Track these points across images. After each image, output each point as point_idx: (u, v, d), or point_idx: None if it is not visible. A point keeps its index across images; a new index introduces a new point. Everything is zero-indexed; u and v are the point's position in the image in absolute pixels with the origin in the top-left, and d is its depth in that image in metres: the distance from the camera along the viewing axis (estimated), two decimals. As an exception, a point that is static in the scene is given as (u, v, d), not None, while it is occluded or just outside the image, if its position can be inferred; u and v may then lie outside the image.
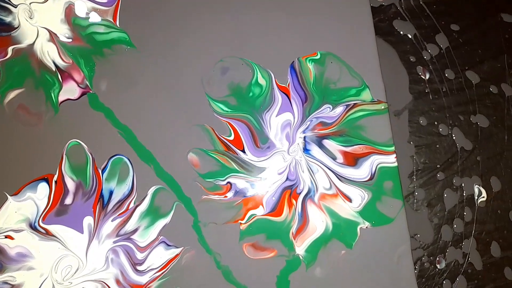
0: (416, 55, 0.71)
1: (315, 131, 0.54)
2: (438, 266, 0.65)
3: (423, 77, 0.70)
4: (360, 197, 0.52)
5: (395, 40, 0.71)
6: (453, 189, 0.67)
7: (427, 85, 0.70)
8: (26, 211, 0.53)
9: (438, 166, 0.68)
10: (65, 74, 0.55)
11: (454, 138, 0.68)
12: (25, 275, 0.52)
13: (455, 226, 0.66)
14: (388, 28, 0.71)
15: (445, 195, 0.67)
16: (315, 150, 0.53)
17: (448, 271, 0.65)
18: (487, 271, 0.65)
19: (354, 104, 0.54)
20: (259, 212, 0.52)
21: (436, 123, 0.69)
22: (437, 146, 0.68)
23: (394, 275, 0.51)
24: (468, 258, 0.65)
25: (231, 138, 0.53)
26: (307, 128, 0.54)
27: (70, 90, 0.54)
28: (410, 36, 0.71)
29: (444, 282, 0.64)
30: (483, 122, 0.69)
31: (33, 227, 0.53)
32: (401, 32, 0.71)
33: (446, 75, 0.70)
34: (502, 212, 0.67)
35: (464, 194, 0.67)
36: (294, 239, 0.52)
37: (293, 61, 0.55)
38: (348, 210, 0.52)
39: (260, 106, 0.54)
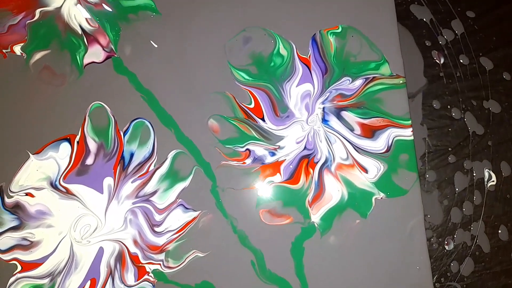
0: (431, 40, 0.72)
1: (334, 102, 0.55)
2: (446, 247, 0.66)
3: (438, 62, 0.71)
4: (376, 168, 0.53)
5: (411, 24, 0.72)
6: (463, 172, 0.68)
7: (441, 70, 0.71)
8: (47, 169, 0.54)
9: (449, 149, 0.68)
10: (91, 38, 0.56)
11: (466, 122, 0.69)
12: (44, 232, 0.53)
13: (464, 208, 0.67)
14: (405, 12, 0.72)
15: (456, 178, 0.68)
16: (333, 121, 0.54)
17: (456, 253, 0.65)
18: (495, 254, 0.66)
19: (373, 77, 0.55)
20: (277, 179, 0.53)
21: (449, 107, 0.70)
22: (449, 129, 0.69)
23: (407, 246, 0.52)
24: (476, 240, 0.66)
25: (251, 106, 0.54)
26: (326, 99, 0.55)
27: (95, 53, 0.55)
28: (426, 21, 0.72)
29: (452, 263, 0.65)
30: (495, 108, 0.70)
31: (53, 185, 0.53)
32: (418, 17, 0.72)
33: (461, 60, 0.71)
34: (511, 197, 0.68)
35: (474, 177, 0.68)
36: (310, 207, 0.53)
37: (315, 34, 0.56)
38: (363, 181, 0.53)
39: (281, 76, 0.55)
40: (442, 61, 0.71)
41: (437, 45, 0.72)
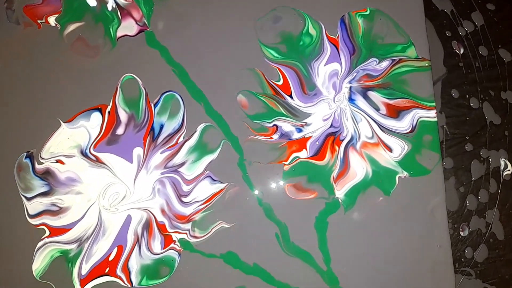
0: (451, 30, 0.73)
1: (361, 82, 0.56)
2: (461, 233, 0.67)
3: (458, 52, 0.72)
4: (400, 147, 0.54)
5: (432, 14, 0.73)
6: (480, 160, 0.69)
7: (461, 60, 0.72)
8: (78, 138, 0.55)
9: (467, 137, 0.70)
10: (124, 12, 0.57)
11: (484, 111, 0.70)
12: (73, 199, 0.54)
13: (479, 196, 0.68)
14: (427, 2, 0.73)
15: (472, 166, 0.69)
16: (359, 100, 0.55)
17: (470, 239, 0.66)
18: (509, 241, 0.67)
19: (400, 59, 0.56)
20: (303, 155, 0.54)
21: (467, 96, 0.71)
22: (467, 118, 0.70)
23: (428, 224, 0.53)
24: (491, 228, 0.67)
25: (280, 83, 0.56)
26: (353, 78, 0.56)
27: (128, 27, 0.57)
28: (447, 12, 0.73)
29: (466, 249, 0.66)
30: (512, 99, 0.71)
31: (84, 153, 0.54)
32: (439, 7, 0.73)
33: (480, 52, 0.72)
34: (526, 186, 0.69)
35: (491, 166, 0.69)
36: (335, 183, 0.54)
37: (343, 15, 0.57)
38: (388, 159, 0.54)
39: (309, 54, 0.56)
40: (461, 51, 0.72)
41: (457, 36, 0.73)
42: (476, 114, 0.71)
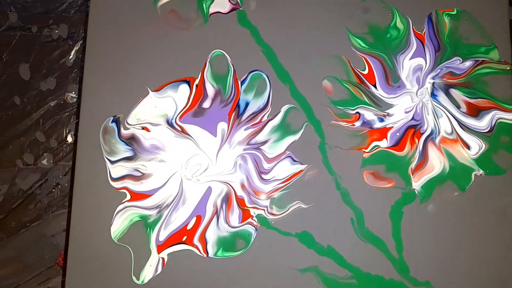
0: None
1: (444, 79, 0.57)
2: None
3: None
4: (477, 146, 0.56)
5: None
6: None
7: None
8: (165, 107, 0.56)
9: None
10: (219, -11, 0.58)
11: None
12: (156, 166, 0.55)
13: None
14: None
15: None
16: (441, 96, 0.57)
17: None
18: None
19: (482, 61, 0.57)
20: (383, 144, 0.56)
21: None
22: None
23: (501, 222, 0.55)
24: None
25: (365, 72, 0.57)
26: (436, 75, 0.57)
27: (221, 4, 0.58)
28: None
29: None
30: None
31: (169, 123, 0.56)
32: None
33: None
34: None
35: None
36: (412, 175, 0.55)
37: (431, 12, 0.58)
38: (465, 156, 0.55)
39: (396, 47, 0.57)
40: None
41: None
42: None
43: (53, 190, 0.70)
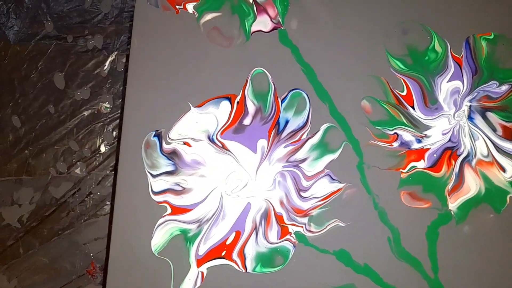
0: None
1: (481, 102, 0.58)
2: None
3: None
4: (513, 169, 0.57)
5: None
6: None
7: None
8: (206, 123, 0.57)
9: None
10: (260, 8, 0.59)
11: None
12: (196, 181, 0.56)
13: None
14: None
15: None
16: (478, 119, 0.58)
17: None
18: None
19: (519, 85, 0.58)
20: (420, 165, 0.57)
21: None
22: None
23: (534, 245, 0.55)
24: None
25: (404, 93, 0.58)
26: (473, 98, 0.58)
27: (263, 23, 0.59)
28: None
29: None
30: None
31: (210, 139, 0.57)
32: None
33: None
34: None
35: None
36: (449, 196, 0.56)
37: (468, 37, 0.59)
38: (501, 179, 0.56)
39: (434, 70, 0.58)
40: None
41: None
42: None
43: (86, 199, 0.71)
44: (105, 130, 0.72)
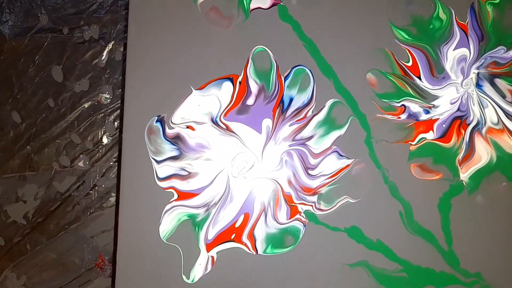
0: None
1: (488, 69, 0.57)
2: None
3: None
4: (525, 135, 0.55)
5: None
6: None
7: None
8: (209, 105, 0.56)
9: None
10: (258, -15, 0.58)
11: None
12: (202, 164, 0.55)
13: None
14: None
15: None
16: (486, 86, 0.56)
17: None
18: None
19: (527, 49, 0.57)
20: (429, 136, 0.55)
21: None
22: None
23: (550, 212, 0.54)
24: None
25: (409, 64, 0.56)
26: (481, 65, 0.57)
27: (262, 0, 0.57)
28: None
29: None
30: None
31: (214, 121, 0.55)
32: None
33: None
34: None
35: None
36: (460, 166, 0.55)
37: (473, 2, 0.58)
38: (512, 146, 0.55)
39: (439, 38, 0.57)
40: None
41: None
42: None
43: (90, 191, 0.70)
44: (106, 121, 0.71)
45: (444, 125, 0.55)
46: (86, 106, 0.72)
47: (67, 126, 0.71)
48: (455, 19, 0.57)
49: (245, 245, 0.53)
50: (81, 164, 0.70)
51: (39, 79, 0.72)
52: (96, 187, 0.70)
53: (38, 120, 0.71)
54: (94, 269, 0.68)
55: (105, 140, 0.71)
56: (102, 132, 0.71)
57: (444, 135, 0.55)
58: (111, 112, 0.71)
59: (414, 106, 0.56)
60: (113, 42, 0.73)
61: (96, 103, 0.72)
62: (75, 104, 0.72)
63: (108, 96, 0.71)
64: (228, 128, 0.55)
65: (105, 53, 0.72)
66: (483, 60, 0.57)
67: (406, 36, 0.57)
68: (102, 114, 0.71)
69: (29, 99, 0.72)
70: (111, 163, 0.71)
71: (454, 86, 0.56)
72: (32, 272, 0.68)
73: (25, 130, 0.71)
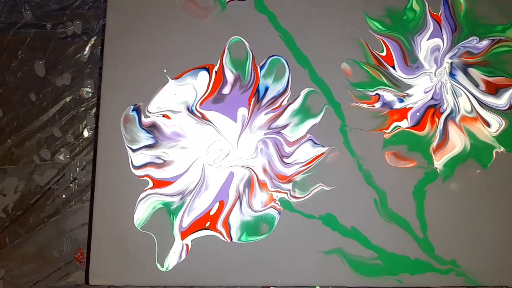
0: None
1: (462, 58, 0.57)
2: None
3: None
4: (497, 123, 0.56)
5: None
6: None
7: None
8: (185, 95, 0.56)
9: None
10: (234, -23, 0.59)
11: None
12: (177, 153, 0.55)
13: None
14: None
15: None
16: (460, 75, 0.57)
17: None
18: None
19: (499, 39, 0.58)
20: (403, 124, 0.56)
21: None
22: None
23: (524, 199, 0.54)
24: None
25: (383, 54, 0.57)
26: (454, 55, 0.57)
27: (239, -9, 0.58)
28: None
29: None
30: None
31: (190, 110, 0.56)
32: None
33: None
34: None
35: None
36: (434, 154, 0.55)
37: (446, -6, 0.59)
38: (486, 134, 0.56)
39: (413, 29, 0.58)
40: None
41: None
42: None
43: (70, 185, 0.70)
44: (87, 115, 0.72)
45: (418, 114, 0.56)
46: (68, 100, 0.72)
47: (49, 120, 0.71)
48: (429, 10, 0.58)
49: (220, 232, 0.53)
50: (61, 157, 0.70)
51: (21, 73, 0.73)
52: (76, 180, 0.70)
53: (20, 113, 0.72)
54: (73, 262, 0.68)
55: (86, 133, 0.71)
56: (83, 126, 0.71)
57: (418, 123, 0.56)
58: (93, 106, 0.72)
59: (388, 95, 0.56)
60: (95, 37, 0.73)
61: (77, 97, 0.72)
62: (57, 98, 0.72)
63: (89, 90, 0.72)
64: (203, 117, 0.56)
65: (87, 48, 0.73)
66: (456, 50, 0.57)
67: (380, 27, 0.58)
68: (84, 108, 0.72)
69: (12, 93, 0.72)
70: (91, 157, 0.71)
71: (428, 75, 0.57)
72: (11, 265, 0.68)
73: (7, 124, 0.72)
